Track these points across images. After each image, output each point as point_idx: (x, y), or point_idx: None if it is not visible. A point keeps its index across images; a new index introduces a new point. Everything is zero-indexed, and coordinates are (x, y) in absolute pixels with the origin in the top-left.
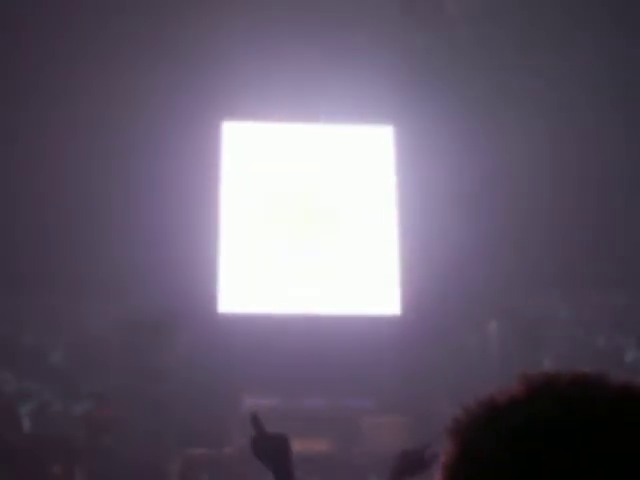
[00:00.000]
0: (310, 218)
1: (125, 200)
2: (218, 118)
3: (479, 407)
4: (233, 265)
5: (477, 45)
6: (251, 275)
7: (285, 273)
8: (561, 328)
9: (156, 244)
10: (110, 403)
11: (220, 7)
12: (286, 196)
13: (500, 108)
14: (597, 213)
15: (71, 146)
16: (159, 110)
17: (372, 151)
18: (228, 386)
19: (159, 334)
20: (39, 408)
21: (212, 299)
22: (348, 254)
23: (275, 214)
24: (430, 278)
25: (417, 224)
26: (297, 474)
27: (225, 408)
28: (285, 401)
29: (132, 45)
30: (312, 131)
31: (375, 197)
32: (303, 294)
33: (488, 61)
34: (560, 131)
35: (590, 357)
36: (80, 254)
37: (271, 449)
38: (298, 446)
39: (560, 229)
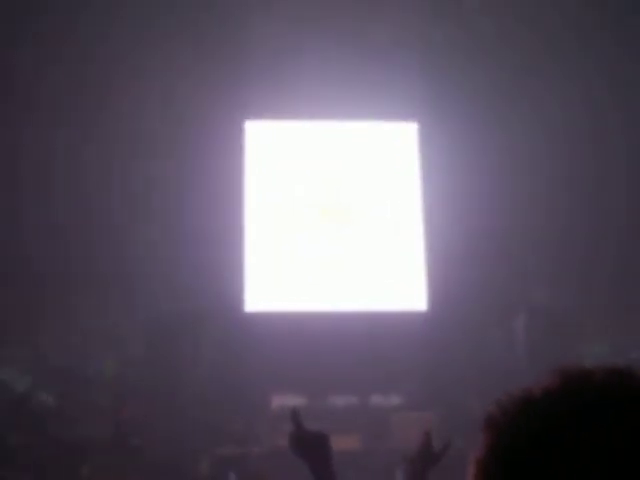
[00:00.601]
0: (335, 215)
1: (149, 201)
2: (241, 118)
3: (513, 401)
4: (259, 264)
5: (498, 38)
6: (277, 273)
7: (311, 270)
8: (587, 323)
9: (181, 244)
10: (129, 403)
11: (241, 6)
12: (310, 194)
13: (524, 104)
14: (626, 211)
15: (94, 147)
16: (181, 111)
17: (396, 148)
18: (256, 385)
19: (186, 334)
20: (60, 409)
21: (238, 299)
22: (374, 250)
23: (300, 212)
24: (456, 273)
25: (442, 220)
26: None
27: (253, 407)
28: (313, 399)
29: (154, 46)
30: (335, 128)
31: (400, 193)
32: (329, 291)
33: (511, 55)
34: (583, 129)
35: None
36: (104, 255)
37: (310, 446)
38: None
39: (583, 224)
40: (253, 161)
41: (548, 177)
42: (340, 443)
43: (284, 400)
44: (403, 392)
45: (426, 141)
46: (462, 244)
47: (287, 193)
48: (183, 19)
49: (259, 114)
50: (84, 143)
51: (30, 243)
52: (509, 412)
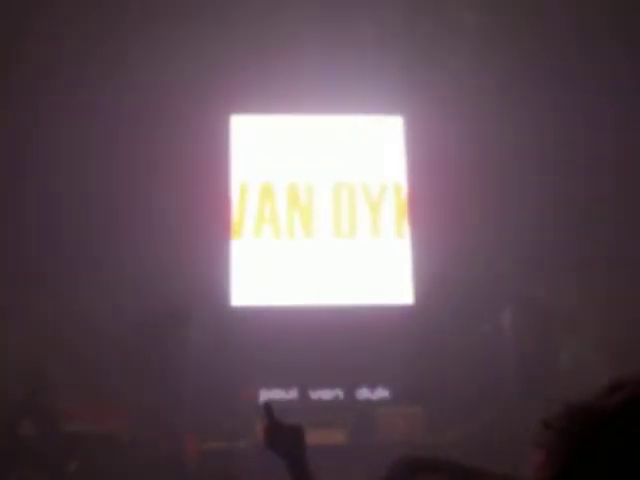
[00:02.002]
0: (321, 209)
1: (134, 196)
2: (226, 112)
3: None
4: (245, 258)
5: (482, 32)
6: (263, 268)
7: (296, 265)
8: (576, 315)
9: (166, 240)
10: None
11: (225, 1)
12: (296, 187)
13: (510, 94)
14: (616, 198)
15: (74, 144)
16: (166, 106)
17: (382, 141)
18: (242, 380)
19: (172, 332)
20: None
21: (224, 293)
22: (360, 244)
23: (285, 205)
24: (442, 267)
25: (429, 212)
26: (312, 465)
27: (240, 401)
28: (299, 393)
29: (139, 41)
30: (321, 123)
31: (386, 186)
32: (315, 285)
33: (495, 48)
34: (570, 116)
35: (607, 343)
36: (88, 251)
37: (285, 440)
38: (313, 438)
39: (576, 215)
40: (239, 155)
41: (536, 168)
42: (327, 437)
43: (271, 394)
44: (389, 386)
45: (411, 134)
46: (448, 237)
47: (272, 187)
48: (168, 12)
49: (245, 108)
50: (62, 139)
51: (13, 244)
52: (581, 433)
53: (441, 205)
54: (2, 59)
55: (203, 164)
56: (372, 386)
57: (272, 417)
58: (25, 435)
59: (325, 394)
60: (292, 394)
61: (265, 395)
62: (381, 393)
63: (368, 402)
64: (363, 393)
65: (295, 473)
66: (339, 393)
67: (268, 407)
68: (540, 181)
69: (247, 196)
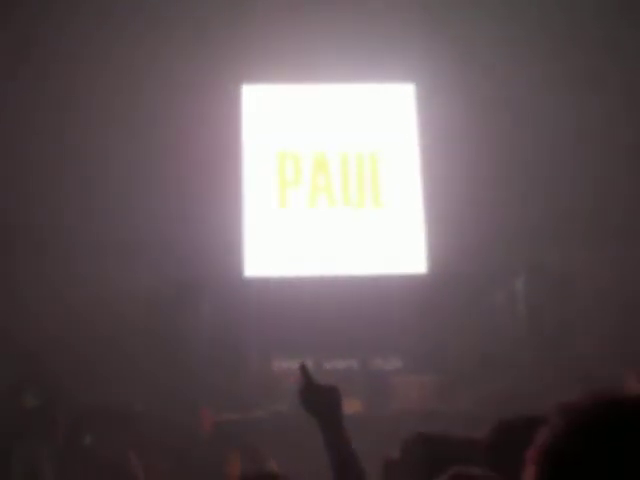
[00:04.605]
0: (333, 178)
1: (146, 168)
2: (237, 82)
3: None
4: (257, 229)
5: None
6: (276, 238)
7: (309, 234)
8: (590, 282)
9: (179, 211)
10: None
11: None
12: (308, 157)
13: (524, 62)
14: (627, 165)
15: (92, 114)
16: (178, 77)
17: (394, 110)
18: (256, 351)
19: (186, 302)
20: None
21: (237, 264)
22: (373, 213)
23: (297, 175)
24: (455, 236)
25: (441, 182)
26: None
27: (254, 372)
28: (314, 363)
29: (149, 10)
30: (332, 91)
31: (398, 155)
32: (328, 255)
33: (509, 14)
34: (585, 80)
35: (618, 310)
36: (101, 222)
37: (321, 400)
38: None
39: (591, 182)
40: (250, 125)
41: (551, 130)
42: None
43: (284, 365)
44: (404, 355)
45: (423, 102)
46: (461, 206)
47: (284, 157)
48: None
49: (256, 78)
50: (79, 110)
51: (29, 211)
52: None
53: (454, 173)
54: None
55: (214, 134)
56: (385, 356)
57: (309, 377)
58: (29, 407)
59: (339, 364)
60: (306, 364)
61: (278, 366)
62: (394, 363)
63: (382, 371)
64: (377, 363)
65: (330, 434)
66: (353, 363)
67: (304, 368)
68: (554, 148)
69: (258, 166)
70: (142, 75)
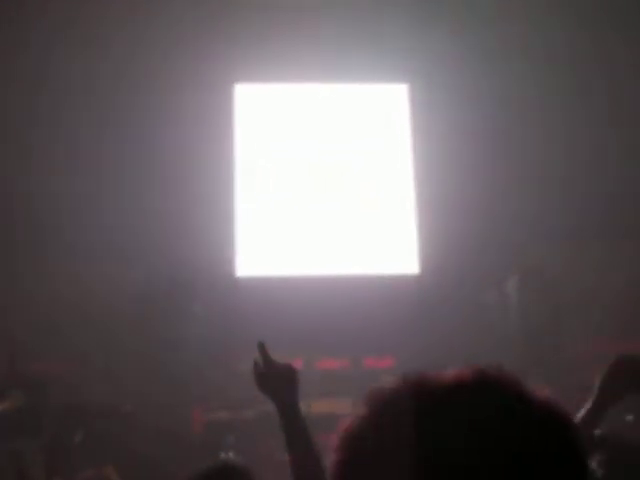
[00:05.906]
0: (325, 178)
1: (138, 166)
2: (230, 81)
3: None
4: (250, 229)
5: None
6: (268, 238)
7: (302, 234)
8: (580, 282)
9: (170, 209)
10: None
11: None
12: (301, 156)
13: (518, 61)
14: (618, 165)
15: (84, 114)
16: (170, 75)
17: (387, 109)
18: (248, 350)
19: (175, 301)
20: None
21: (229, 263)
22: (365, 213)
23: (290, 175)
24: (448, 236)
25: (434, 181)
26: (318, 435)
27: (245, 372)
28: (305, 362)
29: (142, 9)
30: (325, 91)
31: (391, 155)
32: (321, 255)
33: (504, 12)
34: (582, 77)
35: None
36: (91, 221)
37: (277, 380)
38: (319, 407)
39: (579, 181)
40: (243, 124)
41: (543, 131)
42: (333, 406)
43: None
44: (395, 355)
45: (417, 102)
46: (454, 206)
47: (277, 157)
48: None
49: (249, 77)
50: (70, 110)
51: (23, 210)
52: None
53: (447, 174)
54: None
55: (207, 133)
56: (378, 355)
57: (266, 356)
58: (15, 406)
59: (330, 363)
60: (298, 364)
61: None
62: (385, 362)
63: (373, 371)
64: (369, 362)
65: (286, 416)
66: (345, 363)
67: (262, 346)
68: (546, 148)
69: (251, 166)
70: (135, 74)
